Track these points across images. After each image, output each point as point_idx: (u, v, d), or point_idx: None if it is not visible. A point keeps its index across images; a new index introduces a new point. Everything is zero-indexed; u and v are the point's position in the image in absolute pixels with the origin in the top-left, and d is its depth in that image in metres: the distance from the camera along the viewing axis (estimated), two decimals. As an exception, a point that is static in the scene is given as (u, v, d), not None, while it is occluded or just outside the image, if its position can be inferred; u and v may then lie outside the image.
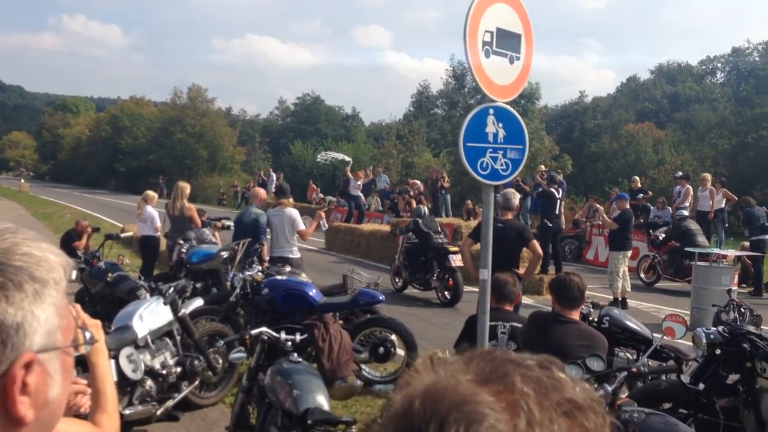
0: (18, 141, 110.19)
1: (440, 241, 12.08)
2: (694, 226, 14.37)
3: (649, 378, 5.21)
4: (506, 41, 4.94)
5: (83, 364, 1.70)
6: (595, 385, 3.65)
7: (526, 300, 10.27)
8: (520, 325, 5.16)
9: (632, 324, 5.96)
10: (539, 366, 0.73)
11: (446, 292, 11.75)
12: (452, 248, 11.64)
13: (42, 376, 0.79)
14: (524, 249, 7.54)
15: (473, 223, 14.48)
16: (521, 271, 7.21)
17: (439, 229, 12.62)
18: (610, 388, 3.69)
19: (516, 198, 7.81)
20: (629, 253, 12.18)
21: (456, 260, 11.19)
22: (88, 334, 1.01)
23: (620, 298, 11.55)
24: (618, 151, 41.22)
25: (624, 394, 4.09)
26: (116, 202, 36.28)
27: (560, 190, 14.47)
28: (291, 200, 8.91)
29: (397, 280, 12.94)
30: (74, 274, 8.01)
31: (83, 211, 26.22)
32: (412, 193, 21.20)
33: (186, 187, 10.50)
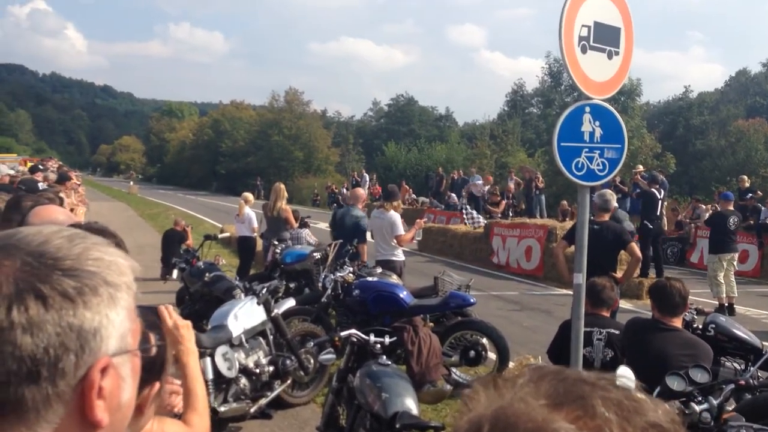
0: (128, 145, 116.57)
1: None
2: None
3: (759, 391, 4.88)
4: (605, 36, 4.74)
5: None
6: (699, 398, 3.44)
7: (624, 304, 9.89)
8: (617, 332, 4.95)
9: (740, 332, 5.60)
10: (616, 386, 0.66)
11: None
12: None
13: (116, 380, 0.80)
14: (622, 252, 7.25)
15: (568, 224, 14.08)
16: (618, 274, 6.93)
17: None
18: (715, 402, 3.46)
19: (614, 199, 7.52)
20: (729, 256, 11.45)
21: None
22: (156, 337, 1.01)
23: (726, 304, 10.94)
24: (726, 149, 39.22)
25: (731, 408, 3.83)
26: (216, 203, 37.61)
27: (662, 190, 13.87)
28: (397, 204, 8.68)
29: None
30: (175, 274, 8.34)
31: (186, 212, 27.33)
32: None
33: (283, 189, 10.69)
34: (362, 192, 9.84)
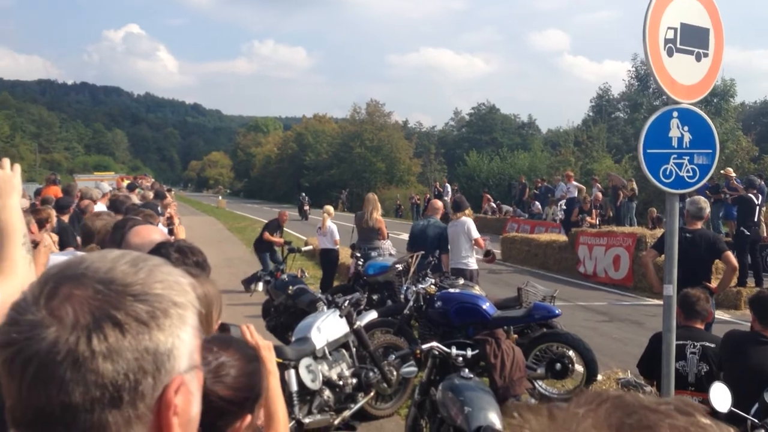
0: (216, 161, 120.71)
1: None
2: None
3: None
4: (692, 37, 4.56)
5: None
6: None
7: (720, 315, 9.45)
8: (712, 345, 4.72)
9: None
10: (680, 412, 0.63)
11: None
12: None
13: (187, 396, 0.82)
14: (717, 260, 6.93)
15: (658, 232, 13.57)
16: (713, 284, 6.62)
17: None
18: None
19: (708, 206, 7.20)
20: None
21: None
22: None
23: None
24: (829, 150, 36.91)
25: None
26: (296, 215, 38.29)
27: (759, 196, 13.19)
28: (468, 211, 8.92)
29: None
30: (260, 286, 8.53)
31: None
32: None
33: (377, 199, 10.76)
34: (440, 203, 9.83)
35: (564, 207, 20.72)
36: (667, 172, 4.57)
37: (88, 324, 0.74)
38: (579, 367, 6.64)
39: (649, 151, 4.53)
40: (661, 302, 7.99)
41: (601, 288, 14.34)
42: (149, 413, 0.78)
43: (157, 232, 2.58)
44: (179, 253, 2.19)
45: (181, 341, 0.80)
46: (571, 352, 6.55)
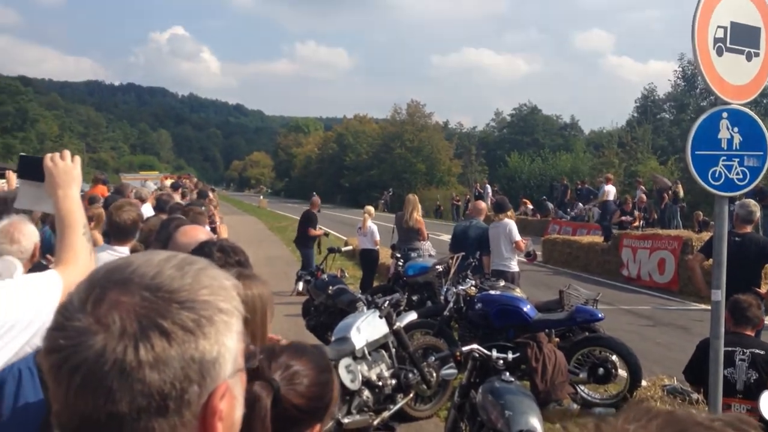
0: (258, 161, 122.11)
1: None
2: None
3: None
4: (743, 36, 4.45)
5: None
6: None
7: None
8: (763, 352, 4.60)
9: None
10: (735, 429, 0.60)
11: None
12: None
13: (231, 401, 0.82)
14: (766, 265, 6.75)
15: (705, 236, 13.27)
16: (763, 290, 6.44)
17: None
18: None
19: (758, 210, 7.02)
20: None
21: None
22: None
23: None
24: None
25: None
26: (340, 216, 38.45)
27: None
28: (510, 213, 8.90)
29: None
30: (301, 286, 8.59)
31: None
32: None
33: (417, 200, 10.77)
34: (484, 204, 9.78)
35: (599, 209, 20.42)
36: (716, 175, 4.46)
37: (135, 333, 0.74)
38: (622, 372, 6.52)
39: (697, 152, 4.43)
40: (707, 307, 7.83)
41: (645, 291, 14.07)
42: (194, 420, 0.78)
43: (203, 232, 2.63)
44: (222, 252, 2.21)
45: (226, 348, 0.80)
46: (614, 357, 6.45)
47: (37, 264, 3.15)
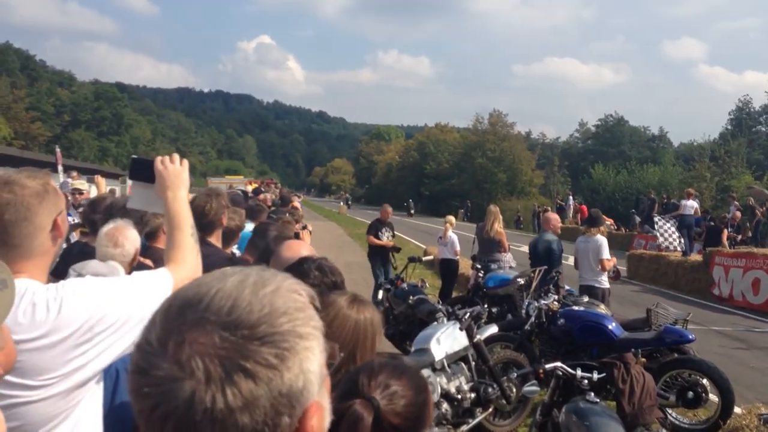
0: (339, 167, 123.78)
1: None
2: None
3: None
4: None
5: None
6: None
7: None
8: None
9: None
10: None
11: None
12: None
13: (320, 413, 0.81)
14: None
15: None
16: None
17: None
18: None
19: None
20: None
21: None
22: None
23: None
24: None
25: None
26: (417, 224, 38.45)
27: None
28: (603, 228, 8.68)
29: None
30: (380, 294, 8.61)
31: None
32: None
33: (499, 211, 10.66)
34: (554, 216, 9.51)
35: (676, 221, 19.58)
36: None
37: (221, 377, 0.72)
38: (713, 397, 6.23)
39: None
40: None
41: (738, 312, 13.41)
42: None
43: (306, 248, 2.69)
44: (320, 272, 2.25)
45: (311, 372, 0.78)
46: (704, 380, 6.15)
47: (137, 267, 3.27)
